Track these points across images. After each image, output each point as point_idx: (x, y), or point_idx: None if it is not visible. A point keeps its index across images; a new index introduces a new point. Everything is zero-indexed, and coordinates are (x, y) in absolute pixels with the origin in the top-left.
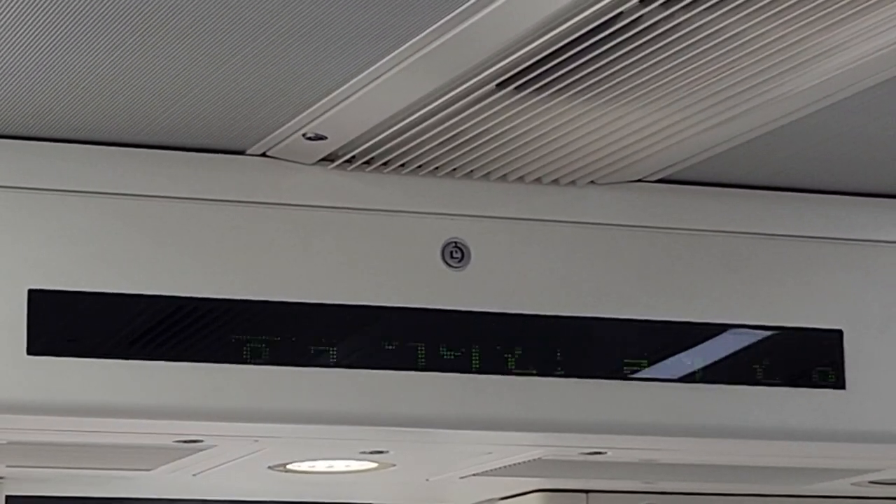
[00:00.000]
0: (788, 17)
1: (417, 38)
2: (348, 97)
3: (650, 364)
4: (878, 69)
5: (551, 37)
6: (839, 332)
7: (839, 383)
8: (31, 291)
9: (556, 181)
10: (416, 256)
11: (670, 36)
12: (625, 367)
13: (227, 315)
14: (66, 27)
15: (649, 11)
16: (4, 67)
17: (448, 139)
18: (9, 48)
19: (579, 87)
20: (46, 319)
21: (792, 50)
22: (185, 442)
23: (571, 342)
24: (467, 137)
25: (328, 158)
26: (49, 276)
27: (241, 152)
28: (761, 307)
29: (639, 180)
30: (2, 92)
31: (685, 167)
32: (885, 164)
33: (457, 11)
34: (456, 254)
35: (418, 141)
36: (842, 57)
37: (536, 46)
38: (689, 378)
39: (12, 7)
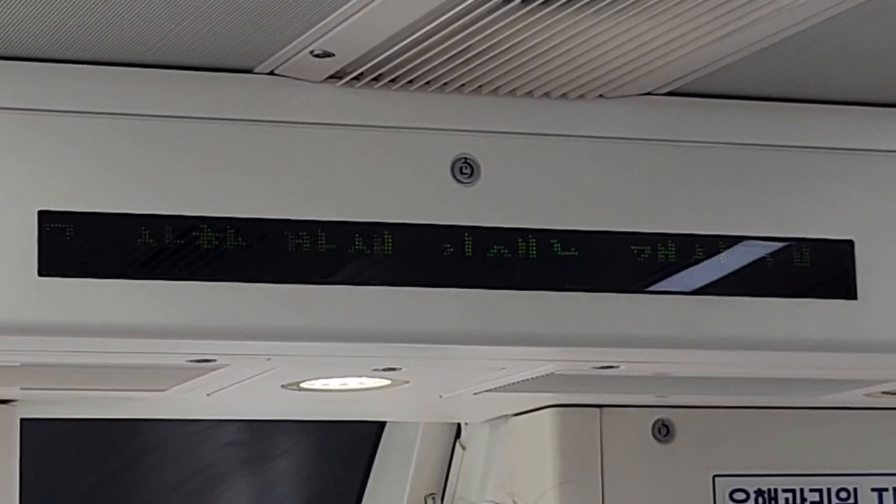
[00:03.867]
0: None
1: None
2: (355, 13)
3: (661, 277)
4: None
5: None
6: (850, 243)
7: (851, 294)
8: (40, 213)
9: (564, 95)
10: (425, 172)
11: None
12: (636, 281)
13: (238, 233)
14: None
15: None
16: None
17: (456, 54)
18: None
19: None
20: (56, 240)
21: None
22: (198, 361)
23: (581, 256)
24: (475, 52)
25: (336, 76)
26: (58, 198)
27: (249, 71)
28: (772, 219)
29: (648, 93)
30: (8, 13)
31: (695, 79)
32: None
33: None
34: (465, 169)
35: (426, 56)
36: None
37: None
38: (701, 290)
39: None
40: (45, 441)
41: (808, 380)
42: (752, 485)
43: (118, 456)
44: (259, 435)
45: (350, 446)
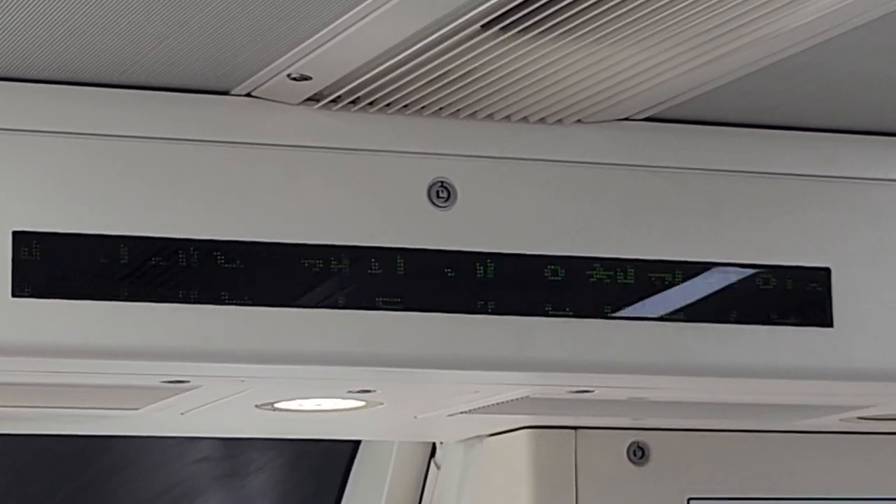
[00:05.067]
0: None
1: None
2: (333, 37)
3: (636, 302)
4: (870, 7)
5: None
6: (827, 270)
7: (827, 321)
8: (14, 233)
9: (542, 120)
10: (402, 196)
11: None
12: (611, 306)
13: (212, 255)
14: None
15: None
16: None
17: (434, 79)
18: None
19: (566, 27)
20: (30, 261)
21: None
22: (172, 382)
23: (557, 281)
24: (453, 77)
25: (314, 98)
26: (32, 218)
27: (226, 92)
28: (749, 245)
29: (626, 119)
30: None
31: (673, 105)
32: (874, 101)
33: None
34: (442, 193)
35: (404, 81)
36: None
37: None
38: (676, 316)
39: None
40: (17, 456)
41: (784, 405)
42: None
43: (90, 471)
44: (233, 451)
45: (324, 464)
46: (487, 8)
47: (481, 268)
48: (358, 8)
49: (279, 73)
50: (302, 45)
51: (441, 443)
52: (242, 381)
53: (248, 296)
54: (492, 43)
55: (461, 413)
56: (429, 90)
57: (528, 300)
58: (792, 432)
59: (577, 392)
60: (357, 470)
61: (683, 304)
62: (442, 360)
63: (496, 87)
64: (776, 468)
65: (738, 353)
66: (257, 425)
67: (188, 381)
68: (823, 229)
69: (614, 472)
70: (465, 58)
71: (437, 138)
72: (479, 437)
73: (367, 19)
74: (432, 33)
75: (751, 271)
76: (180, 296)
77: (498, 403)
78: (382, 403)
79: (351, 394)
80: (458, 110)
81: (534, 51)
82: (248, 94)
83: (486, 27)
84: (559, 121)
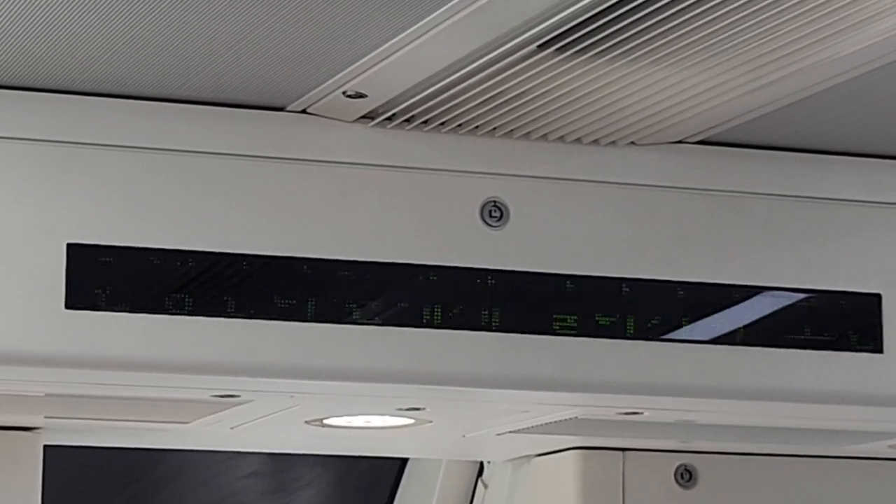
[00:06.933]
0: None
1: None
2: (389, 56)
3: (687, 325)
4: None
5: None
6: (878, 296)
7: (877, 347)
8: (69, 245)
9: (595, 141)
10: (454, 215)
11: None
12: (661, 329)
13: (265, 271)
14: None
15: None
16: (46, 20)
17: (489, 99)
18: (50, 1)
19: (621, 49)
20: (85, 274)
21: (836, 14)
22: (222, 397)
23: (608, 303)
24: (508, 97)
25: (368, 116)
26: (88, 231)
27: (281, 109)
28: (800, 270)
29: (679, 141)
30: (44, 46)
31: (726, 129)
32: None
33: None
34: (495, 213)
35: (459, 100)
36: (886, 22)
37: (579, 8)
38: (727, 340)
39: None
40: (67, 468)
41: (833, 431)
42: None
43: (139, 483)
44: (281, 467)
45: (372, 481)
46: (544, 29)
47: (533, 288)
48: (414, 27)
49: (334, 90)
50: (357, 63)
51: (489, 462)
52: (293, 396)
53: (300, 312)
54: (547, 64)
55: (509, 432)
56: (483, 110)
57: (580, 321)
58: (840, 458)
59: (627, 414)
60: (404, 488)
61: (734, 327)
62: (492, 379)
63: (550, 108)
64: (824, 493)
65: (788, 378)
66: (306, 441)
67: (239, 396)
68: (874, 255)
69: (661, 494)
70: (521, 78)
71: (491, 158)
72: (527, 456)
73: (422, 38)
74: (488, 53)
75: (801, 296)
76: (232, 310)
77: (546, 423)
78: (431, 421)
79: (400, 411)
80: (512, 130)
81: (589, 72)
82: (304, 111)
83: (542, 48)
84: (613, 142)
